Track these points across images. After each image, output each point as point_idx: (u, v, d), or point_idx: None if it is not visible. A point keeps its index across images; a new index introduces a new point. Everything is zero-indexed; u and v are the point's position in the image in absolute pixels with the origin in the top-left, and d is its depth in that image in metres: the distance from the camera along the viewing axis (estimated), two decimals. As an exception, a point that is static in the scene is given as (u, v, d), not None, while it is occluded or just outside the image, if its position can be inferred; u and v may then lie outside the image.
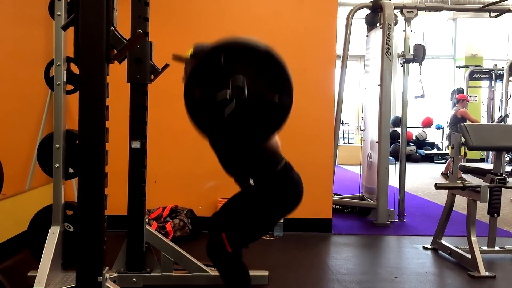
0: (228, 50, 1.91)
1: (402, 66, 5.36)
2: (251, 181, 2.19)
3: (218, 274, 2.65)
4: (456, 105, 9.06)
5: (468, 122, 8.41)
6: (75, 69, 2.58)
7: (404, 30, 5.30)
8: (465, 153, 9.19)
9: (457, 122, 8.58)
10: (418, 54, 5.25)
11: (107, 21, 1.85)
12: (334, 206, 5.05)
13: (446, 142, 11.97)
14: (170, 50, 3.37)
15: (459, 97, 9.04)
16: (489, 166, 3.89)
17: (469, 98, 10.05)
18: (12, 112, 3.55)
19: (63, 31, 2.50)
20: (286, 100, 1.92)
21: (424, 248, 4.03)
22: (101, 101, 1.87)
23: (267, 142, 2.12)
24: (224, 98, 1.85)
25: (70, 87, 2.67)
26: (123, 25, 2.18)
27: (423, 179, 8.83)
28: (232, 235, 2.17)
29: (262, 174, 2.21)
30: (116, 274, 2.79)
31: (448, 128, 9.02)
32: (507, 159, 8.68)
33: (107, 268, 2.08)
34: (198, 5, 4.42)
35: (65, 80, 2.57)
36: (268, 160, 2.21)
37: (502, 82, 9.91)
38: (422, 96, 6.02)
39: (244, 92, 1.83)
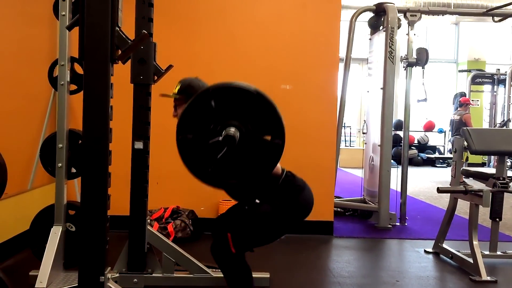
0: (219, 93, 1.94)
1: (405, 70, 5.35)
2: (257, 201, 2.23)
3: (219, 275, 2.66)
4: (459, 109, 9.05)
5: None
6: (78, 69, 2.60)
7: (407, 34, 5.30)
8: (467, 158, 9.20)
9: (462, 127, 8.58)
10: (421, 58, 5.25)
11: (112, 22, 1.85)
12: (336, 208, 5.04)
13: (448, 147, 11.96)
14: (174, 51, 3.41)
15: (463, 101, 9.00)
16: (491, 170, 3.88)
17: (471, 102, 10.06)
18: (15, 111, 3.55)
19: (67, 31, 2.51)
20: (278, 141, 1.93)
21: (426, 252, 4.02)
22: (105, 101, 1.88)
23: (263, 178, 2.13)
24: (216, 140, 1.89)
25: (73, 87, 2.68)
26: (127, 26, 2.18)
27: (424, 183, 8.82)
28: (237, 237, 2.18)
29: (265, 192, 2.23)
30: (117, 274, 2.79)
31: (452, 133, 8.93)
32: (509, 163, 8.66)
33: (109, 268, 2.08)
34: (202, 7, 4.43)
35: (68, 80, 2.58)
36: (269, 180, 2.23)
37: (505, 87, 9.90)
38: (425, 100, 6.02)
39: (236, 140, 1.85)
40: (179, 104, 2.41)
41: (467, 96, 10.17)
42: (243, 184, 2.20)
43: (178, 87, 2.40)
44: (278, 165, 2.23)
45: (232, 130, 1.87)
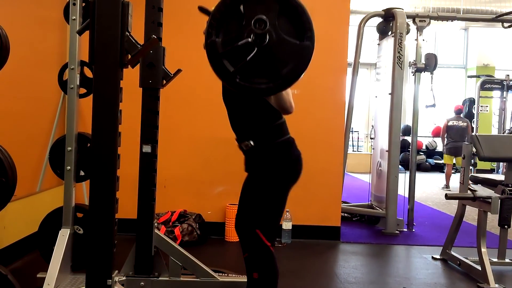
0: None
1: (413, 75, 5.34)
2: (251, 142, 2.20)
3: (226, 279, 2.66)
4: (458, 116, 9.09)
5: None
6: (88, 73, 2.61)
7: (416, 39, 5.29)
8: (475, 163, 9.14)
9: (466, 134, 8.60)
10: (430, 63, 5.23)
11: (122, 27, 1.86)
12: (343, 214, 5.03)
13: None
14: (183, 56, 3.42)
15: (461, 108, 9.21)
16: (500, 177, 3.85)
17: (480, 108, 10.05)
18: (25, 113, 3.58)
19: (77, 35, 2.53)
20: (307, 43, 1.90)
21: (433, 258, 4.00)
22: (115, 105, 1.89)
23: (290, 86, 2.07)
24: (246, 43, 1.85)
25: (83, 90, 2.70)
26: (137, 30, 2.19)
27: (432, 189, 8.78)
28: (263, 226, 2.17)
29: (263, 138, 2.21)
30: (124, 278, 2.79)
31: (453, 139, 8.89)
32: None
33: (116, 271, 2.08)
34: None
35: (78, 83, 2.60)
36: (273, 126, 2.21)
37: (514, 93, 9.85)
38: (433, 105, 5.99)
39: (266, 38, 1.83)
40: None
41: (476, 103, 10.14)
42: (255, 105, 2.16)
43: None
44: (287, 102, 2.20)
45: (261, 29, 1.83)
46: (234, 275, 2.97)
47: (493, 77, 10.98)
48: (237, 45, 1.87)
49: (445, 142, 9.12)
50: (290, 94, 2.22)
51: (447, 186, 8.95)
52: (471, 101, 10.70)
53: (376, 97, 5.84)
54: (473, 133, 3.83)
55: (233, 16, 1.89)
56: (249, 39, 1.85)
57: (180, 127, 4.33)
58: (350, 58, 4.79)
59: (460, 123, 8.93)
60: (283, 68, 1.91)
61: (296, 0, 1.90)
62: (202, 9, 2.29)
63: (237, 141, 2.30)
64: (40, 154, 3.79)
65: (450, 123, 9.00)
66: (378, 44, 5.65)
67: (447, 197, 3.57)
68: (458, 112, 9.21)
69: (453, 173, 9.54)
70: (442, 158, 12.51)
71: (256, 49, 1.86)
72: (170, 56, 2.91)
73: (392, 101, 4.99)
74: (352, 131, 11.07)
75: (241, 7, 1.88)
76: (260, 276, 2.21)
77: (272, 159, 2.22)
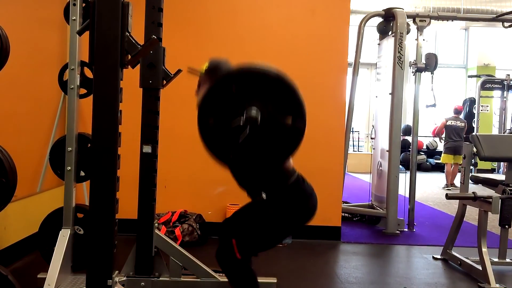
0: (239, 77, 1.93)
1: (413, 75, 5.34)
2: (264, 195, 2.19)
3: (226, 280, 2.65)
4: (457, 116, 9.13)
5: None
6: (88, 73, 2.61)
7: (416, 39, 5.29)
8: (476, 163, 9.15)
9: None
10: (430, 63, 5.23)
11: (122, 27, 1.86)
12: (343, 214, 5.03)
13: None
14: (183, 56, 3.42)
15: (460, 108, 9.34)
16: (500, 177, 3.85)
17: (480, 108, 10.06)
18: (25, 114, 3.58)
19: (78, 36, 2.53)
20: (299, 123, 1.92)
21: (434, 258, 4.00)
22: (115, 106, 1.89)
23: (280, 164, 2.12)
24: (238, 124, 1.87)
25: (83, 91, 2.70)
26: (137, 31, 2.19)
27: (433, 189, 8.78)
28: (242, 242, 2.17)
29: (274, 188, 2.21)
30: (125, 278, 2.80)
31: (452, 139, 8.93)
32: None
33: (116, 271, 2.08)
34: (211, 12, 4.45)
35: (78, 84, 2.60)
36: (281, 175, 2.21)
37: (515, 92, 9.85)
38: (434, 105, 5.99)
39: (258, 122, 1.83)
40: (204, 83, 2.40)
41: (476, 102, 10.14)
42: (259, 170, 2.18)
43: (206, 65, 2.39)
44: (291, 161, 2.23)
45: (254, 111, 1.84)
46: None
47: (494, 76, 10.98)
48: (229, 125, 1.90)
49: (444, 141, 9.16)
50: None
51: (447, 185, 8.96)
52: (472, 101, 10.69)
53: (376, 97, 5.84)
54: (474, 133, 3.82)
55: (225, 96, 1.91)
56: (241, 121, 1.86)
57: (181, 127, 4.32)
58: (351, 58, 4.79)
59: (458, 123, 8.98)
60: (274, 148, 1.94)
61: (288, 81, 1.91)
62: (192, 70, 2.34)
63: (248, 195, 2.30)
64: (41, 154, 3.79)
65: (449, 123, 9.03)
66: (379, 44, 5.65)
67: (448, 197, 3.57)
68: (456, 112, 9.26)
69: (459, 171, 9.56)
70: (443, 158, 12.52)
71: (248, 130, 1.87)
72: (170, 57, 2.91)
73: (392, 101, 4.99)
74: (352, 131, 11.06)
75: (233, 86, 1.89)
76: None
77: (287, 201, 2.22)
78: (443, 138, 9.21)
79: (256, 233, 2.22)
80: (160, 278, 2.85)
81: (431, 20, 5.28)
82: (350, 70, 4.75)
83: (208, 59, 2.38)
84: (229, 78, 1.92)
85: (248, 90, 1.91)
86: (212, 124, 1.92)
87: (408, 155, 5.38)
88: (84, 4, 2.51)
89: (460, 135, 8.83)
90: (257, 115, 1.84)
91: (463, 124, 8.97)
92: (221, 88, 1.92)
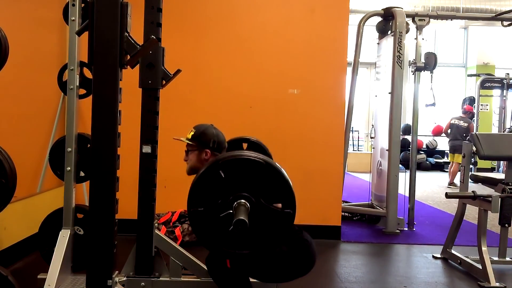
0: (227, 164, 1.93)
1: (413, 74, 5.34)
2: None
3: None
4: (464, 115, 9.13)
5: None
6: (87, 73, 2.61)
7: (416, 38, 5.29)
8: (475, 162, 9.15)
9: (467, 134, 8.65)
10: (430, 62, 5.23)
11: (121, 27, 1.87)
12: (343, 213, 5.03)
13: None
14: (182, 56, 3.42)
15: (468, 109, 9.26)
16: (500, 175, 3.85)
17: (480, 107, 10.07)
18: (25, 115, 3.58)
19: (77, 36, 2.53)
20: (288, 209, 1.93)
21: (434, 257, 4.00)
22: (114, 106, 1.89)
23: (272, 250, 2.13)
24: (227, 213, 1.89)
25: (82, 91, 2.70)
26: (136, 31, 2.20)
27: (433, 188, 8.78)
28: (237, 263, 2.17)
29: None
30: (125, 278, 2.79)
31: (454, 137, 8.98)
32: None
33: (116, 272, 2.08)
34: (210, 12, 4.45)
35: (78, 84, 2.60)
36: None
37: (514, 91, 9.85)
38: (433, 104, 5.99)
39: (247, 225, 1.83)
40: (191, 150, 2.45)
41: (476, 101, 10.15)
42: (253, 254, 2.19)
43: (192, 133, 2.42)
44: None
45: (242, 210, 1.85)
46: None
47: (493, 75, 10.98)
48: (218, 215, 1.91)
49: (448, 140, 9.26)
50: None
51: (450, 183, 8.99)
52: (471, 100, 10.68)
53: (376, 96, 5.84)
54: (473, 132, 3.82)
55: (213, 182, 1.93)
56: (231, 211, 1.88)
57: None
58: (350, 58, 4.79)
59: (461, 123, 8.99)
60: (264, 234, 1.95)
61: (276, 168, 1.92)
62: (178, 139, 2.42)
63: None
64: (40, 155, 3.79)
65: (452, 121, 9.09)
66: (378, 43, 5.65)
67: (448, 196, 3.56)
68: (464, 112, 9.32)
69: (459, 170, 9.60)
70: (442, 157, 12.54)
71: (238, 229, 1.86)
72: (170, 57, 2.91)
73: (392, 100, 4.99)
74: (352, 131, 11.06)
75: (221, 172, 1.90)
76: None
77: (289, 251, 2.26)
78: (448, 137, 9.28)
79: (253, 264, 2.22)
80: (160, 278, 2.84)
81: (430, 19, 5.28)
82: (349, 70, 4.75)
83: (193, 127, 2.41)
84: (218, 165, 1.92)
85: (236, 177, 1.92)
86: (202, 213, 1.93)
87: (408, 154, 5.38)
88: (83, 5, 2.51)
89: (460, 135, 8.85)
90: (245, 218, 1.82)
91: (466, 125, 8.98)
92: (209, 175, 1.93)
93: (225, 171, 1.90)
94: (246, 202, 1.87)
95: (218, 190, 1.91)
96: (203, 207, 1.93)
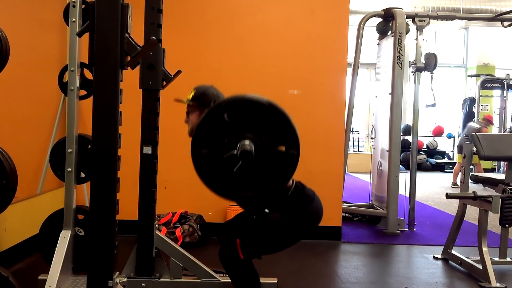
0: (231, 106, 1.94)
1: (413, 75, 5.34)
2: (266, 210, 2.21)
3: (227, 280, 2.65)
4: (481, 121, 9.21)
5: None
6: (88, 74, 2.62)
7: (416, 39, 5.29)
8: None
9: None
10: (430, 63, 5.23)
11: (122, 28, 1.87)
12: (344, 214, 5.03)
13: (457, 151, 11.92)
14: (183, 57, 3.41)
15: (487, 117, 9.42)
16: (501, 176, 3.85)
17: (480, 107, 10.08)
18: (25, 116, 3.59)
19: (77, 37, 2.53)
20: (293, 151, 1.93)
21: (435, 258, 4.00)
22: (115, 107, 1.89)
23: (275, 192, 2.13)
24: (231, 155, 1.88)
25: (83, 92, 2.70)
26: (136, 32, 2.20)
27: (433, 188, 8.78)
28: (246, 243, 2.17)
29: (275, 202, 2.22)
30: (125, 279, 2.80)
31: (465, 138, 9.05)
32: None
33: (117, 272, 2.08)
34: (210, 13, 4.45)
35: (78, 85, 2.60)
36: (279, 191, 2.22)
37: (515, 92, 9.85)
38: (434, 105, 5.99)
39: (252, 155, 1.83)
40: (192, 111, 2.43)
41: (476, 102, 10.14)
42: (257, 196, 2.18)
43: (192, 94, 2.41)
44: None
45: (247, 143, 1.85)
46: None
47: (493, 76, 10.97)
48: (222, 156, 1.91)
49: None
50: None
51: (453, 183, 9.01)
52: (472, 100, 10.68)
53: (376, 97, 5.84)
54: (473, 132, 3.82)
55: (217, 125, 1.92)
56: (235, 151, 1.87)
57: (181, 128, 4.31)
58: (350, 58, 4.79)
59: (475, 125, 9.03)
60: (269, 176, 1.95)
61: (280, 109, 1.93)
62: (178, 100, 2.38)
63: (252, 213, 2.30)
64: (41, 156, 3.79)
65: (470, 124, 9.20)
66: (378, 44, 5.65)
67: (448, 196, 3.56)
68: (483, 118, 9.44)
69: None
70: (443, 158, 12.54)
71: (241, 161, 1.88)
72: (170, 58, 2.91)
73: (392, 101, 4.99)
74: (352, 131, 11.06)
75: (225, 115, 1.90)
76: None
77: (290, 211, 2.23)
78: None
79: (260, 237, 2.22)
80: (161, 279, 2.85)
81: (431, 20, 5.28)
82: (349, 70, 4.75)
83: (194, 88, 2.41)
84: (222, 107, 1.92)
85: (241, 119, 1.92)
86: (206, 154, 1.92)
87: (408, 154, 5.39)
88: (83, 6, 2.52)
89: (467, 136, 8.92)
90: (251, 148, 1.84)
91: (478, 127, 8.98)
92: (213, 118, 1.93)
93: (229, 113, 1.90)
94: (251, 142, 1.86)
95: (222, 132, 1.91)
96: (206, 149, 1.92)
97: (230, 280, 2.30)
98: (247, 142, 1.85)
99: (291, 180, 2.25)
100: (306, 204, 2.26)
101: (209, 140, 1.93)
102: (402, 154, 6.37)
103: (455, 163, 11.12)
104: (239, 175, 1.91)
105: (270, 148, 1.90)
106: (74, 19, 2.52)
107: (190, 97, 2.42)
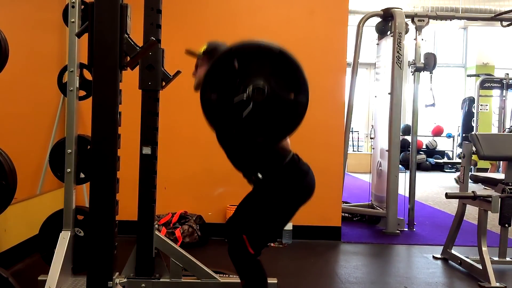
0: (241, 52, 1.92)
1: (412, 75, 5.34)
2: (259, 175, 2.19)
3: (227, 280, 2.66)
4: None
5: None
6: (87, 75, 2.62)
7: (415, 39, 5.29)
8: (475, 162, 9.16)
9: None
10: (429, 63, 5.23)
11: (121, 29, 1.87)
12: (343, 214, 5.03)
13: (457, 151, 11.92)
14: (182, 57, 3.40)
15: None
16: (500, 176, 3.86)
17: (480, 107, 10.08)
18: (25, 116, 3.58)
19: (76, 38, 2.53)
20: (302, 98, 1.92)
21: (434, 257, 4.00)
22: (114, 107, 1.89)
23: (285, 139, 2.12)
24: (241, 99, 1.86)
25: (82, 93, 2.70)
26: (135, 32, 2.20)
27: (433, 188, 8.78)
28: (252, 235, 2.17)
29: (270, 168, 2.21)
30: (125, 280, 2.80)
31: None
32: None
33: (117, 273, 2.08)
34: (209, 13, 4.45)
35: (77, 86, 2.60)
36: (276, 155, 2.21)
37: (514, 91, 9.85)
38: (433, 104, 5.99)
39: (265, 93, 1.83)
40: (201, 65, 2.40)
41: (475, 101, 10.14)
42: (260, 147, 2.16)
43: (204, 48, 2.39)
44: (288, 141, 2.24)
45: (261, 81, 1.84)
46: (235, 276, 2.97)
47: (493, 76, 10.97)
48: (232, 100, 1.88)
49: None
50: None
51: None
52: (471, 100, 10.68)
53: (375, 97, 5.84)
54: (473, 132, 3.83)
55: (227, 71, 1.90)
56: (244, 96, 1.86)
57: (180, 128, 4.33)
58: (350, 58, 4.80)
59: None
60: (278, 122, 1.93)
61: (290, 56, 1.92)
62: (190, 52, 2.34)
63: (244, 176, 2.30)
64: (40, 156, 3.79)
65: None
66: (377, 44, 5.65)
67: (448, 196, 3.56)
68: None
69: None
70: (442, 158, 12.54)
71: (251, 105, 1.86)
72: (169, 58, 2.91)
73: (391, 101, 4.99)
74: (352, 131, 11.06)
75: (235, 62, 1.88)
76: (246, 284, 2.22)
77: (283, 180, 2.22)
78: None
79: (262, 222, 2.21)
80: (161, 279, 2.85)
81: (430, 20, 5.28)
82: (349, 70, 4.75)
83: (206, 42, 2.39)
84: (231, 53, 1.91)
85: (250, 65, 1.90)
86: (215, 100, 1.90)
87: (408, 154, 5.39)
88: (82, 6, 2.52)
89: None
90: (263, 85, 1.83)
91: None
92: (223, 63, 1.91)
93: (238, 59, 1.88)
94: (264, 82, 1.85)
95: (231, 78, 1.89)
96: (216, 94, 1.90)
97: (230, 280, 2.30)
98: (260, 80, 1.84)
99: (290, 150, 2.25)
100: (301, 178, 2.25)
101: (218, 85, 1.91)
102: (402, 154, 6.37)
103: (455, 162, 11.16)
104: (248, 120, 1.89)
105: (280, 94, 1.89)
106: (73, 20, 2.52)
107: (202, 50, 2.40)
